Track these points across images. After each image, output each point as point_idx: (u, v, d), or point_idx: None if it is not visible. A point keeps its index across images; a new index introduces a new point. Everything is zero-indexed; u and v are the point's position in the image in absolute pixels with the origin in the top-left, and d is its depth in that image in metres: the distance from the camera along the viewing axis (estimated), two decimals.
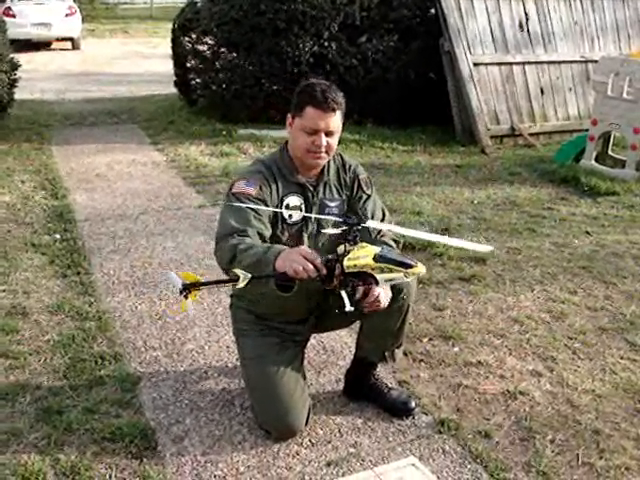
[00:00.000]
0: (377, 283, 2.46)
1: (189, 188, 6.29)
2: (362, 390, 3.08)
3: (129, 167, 6.95)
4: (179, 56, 9.82)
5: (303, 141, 2.70)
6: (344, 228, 2.50)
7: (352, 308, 2.43)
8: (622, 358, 3.54)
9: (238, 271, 2.43)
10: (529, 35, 8.84)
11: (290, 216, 2.79)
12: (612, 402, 3.15)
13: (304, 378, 2.94)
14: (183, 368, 3.31)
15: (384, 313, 2.77)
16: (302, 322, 2.99)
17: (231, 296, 3.11)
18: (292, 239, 2.79)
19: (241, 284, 2.43)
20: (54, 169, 6.74)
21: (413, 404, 3.00)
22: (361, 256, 2.41)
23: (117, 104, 10.59)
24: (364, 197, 2.92)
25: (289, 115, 2.77)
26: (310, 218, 2.82)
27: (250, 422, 2.90)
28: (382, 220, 2.94)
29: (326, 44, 8.57)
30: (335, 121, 2.70)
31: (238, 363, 3.31)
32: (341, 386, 3.16)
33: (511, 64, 8.65)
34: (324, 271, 2.41)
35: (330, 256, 2.48)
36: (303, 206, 2.81)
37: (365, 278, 2.45)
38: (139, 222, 5.32)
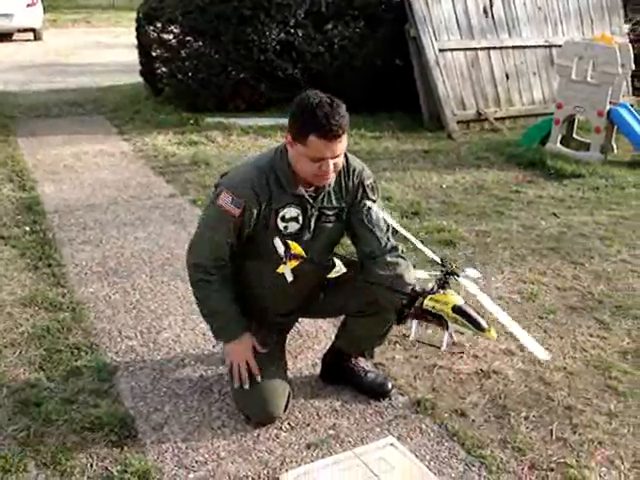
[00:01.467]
0: (447, 328, 2.70)
1: (158, 177, 6.27)
2: (339, 373, 3.11)
3: (96, 158, 6.90)
4: (144, 45, 9.74)
5: (309, 167, 2.56)
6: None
7: (414, 338, 2.64)
8: (592, 336, 3.62)
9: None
10: (494, 21, 8.90)
11: (286, 227, 2.71)
12: (583, 379, 3.22)
13: (285, 364, 2.99)
14: (160, 357, 3.32)
15: (376, 318, 2.88)
16: (287, 315, 3.03)
17: None
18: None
19: (333, 274, 2.63)
20: (21, 161, 6.66)
21: (390, 386, 3.04)
22: (442, 301, 2.63)
23: (82, 95, 10.47)
24: (368, 204, 2.79)
25: (288, 135, 2.58)
26: (307, 228, 2.74)
27: (229, 408, 2.92)
28: (387, 230, 2.79)
29: (292, 31, 8.56)
30: (342, 144, 2.54)
31: (215, 350, 3.34)
32: (318, 370, 3.19)
33: (476, 49, 8.71)
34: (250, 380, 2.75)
35: (417, 288, 2.65)
36: (300, 217, 2.71)
37: (439, 318, 2.67)
38: (109, 212, 5.29)
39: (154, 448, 2.69)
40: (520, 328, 2.69)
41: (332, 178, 2.66)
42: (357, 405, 2.97)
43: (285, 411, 2.85)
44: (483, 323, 2.60)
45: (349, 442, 2.73)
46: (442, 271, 2.67)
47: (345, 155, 2.70)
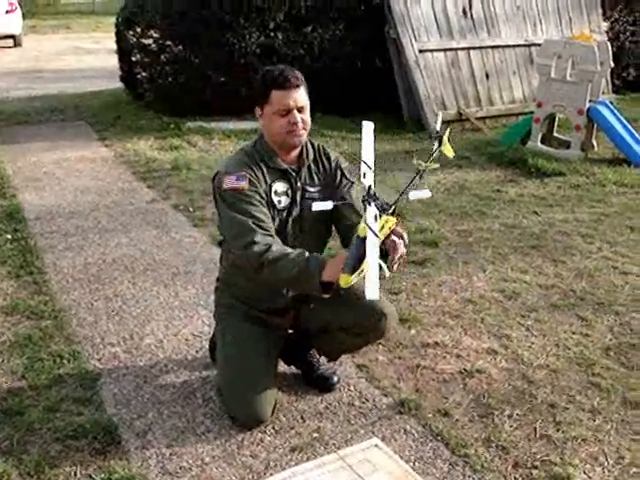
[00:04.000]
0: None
1: (140, 183, 6.25)
2: (296, 360, 3.17)
3: (78, 164, 6.87)
4: (124, 50, 9.71)
5: (279, 124, 2.75)
6: (335, 203, 2.53)
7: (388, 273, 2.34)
8: (574, 333, 3.64)
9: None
10: (473, 20, 8.94)
11: (279, 202, 2.84)
12: (566, 376, 3.24)
13: (276, 370, 2.99)
14: (143, 363, 3.31)
15: (359, 338, 2.90)
16: (282, 313, 3.01)
17: (217, 280, 3.15)
18: (281, 224, 2.84)
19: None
20: (1, 168, 6.62)
21: (335, 379, 3.09)
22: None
23: (63, 101, 10.41)
24: (348, 184, 2.96)
25: (256, 108, 2.81)
26: (295, 202, 2.85)
27: (213, 413, 2.91)
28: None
29: (272, 34, 8.56)
30: (301, 95, 2.77)
31: (198, 355, 3.34)
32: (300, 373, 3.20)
33: (456, 50, 8.74)
34: None
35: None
36: (290, 191, 2.86)
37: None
38: (91, 219, 5.27)
39: (138, 455, 2.67)
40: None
41: (304, 136, 2.81)
42: (341, 407, 2.97)
43: (272, 415, 2.85)
44: (350, 267, 2.32)
45: (334, 444, 2.73)
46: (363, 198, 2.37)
47: (319, 144, 2.99)
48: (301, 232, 2.91)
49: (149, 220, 5.25)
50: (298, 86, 2.76)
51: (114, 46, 10.14)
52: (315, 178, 2.93)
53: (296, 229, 2.90)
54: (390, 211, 2.37)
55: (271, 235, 2.73)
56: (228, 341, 2.94)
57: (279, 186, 2.84)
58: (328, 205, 2.54)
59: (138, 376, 3.20)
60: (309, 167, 2.92)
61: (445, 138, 2.45)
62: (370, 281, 2.19)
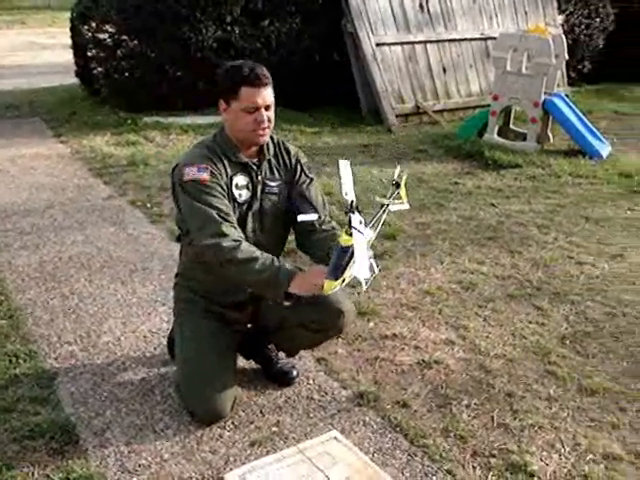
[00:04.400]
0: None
1: (96, 179, 6.18)
2: (255, 355, 3.18)
3: (33, 161, 6.76)
4: (79, 45, 9.58)
5: (246, 122, 2.74)
6: (317, 216, 2.73)
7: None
8: (530, 322, 3.69)
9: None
10: (429, 14, 8.98)
11: (240, 195, 2.84)
12: (523, 365, 3.28)
13: (235, 365, 2.99)
14: (100, 361, 3.28)
15: (317, 335, 2.90)
16: (241, 308, 3.00)
17: (176, 275, 3.12)
18: (241, 218, 2.83)
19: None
20: None
21: (294, 373, 3.11)
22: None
23: (17, 97, 10.24)
24: (307, 181, 2.98)
25: (221, 101, 2.80)
26: (255, 196, 2.86)
27: (172, 409, 2.90)
28: (324, 207, 2.99)
29: (229, 28, 8.51)
30: (270, 94, 2.78)
31: (156, 352, 3.32)
32: (260, 368, 3.19)
33: (413, 43, 8.79)
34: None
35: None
36: (250, 185, 2.85)
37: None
38: (46, 216, 5.20)
39: (96, 453, 2.65)
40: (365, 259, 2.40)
41: (267, 135, 2.82)
42: (300, 401, 2.98)
43: (231, 410, 2.85)
44: (337, 273, 2.43)
45: (293, 438, 2.74)
46: (345, 209, 2.46)
47: (278, 138, 2.99)
48: (261, 226, 2.91)
49: (106, 217, 5.20)
50: (267, 84, 2.76)
51: (69, 41, 9.99)
52: (275, 172, 2.93)
53: (256, 224, 2.90)
54: (370, 226, 2.47)
55: (235, 227, 2.72)
56: (186, 337, 2.93)
57: (240, 179, 2.83)
58: (313, 217, 2.68)
59: (95, 374, 3.17)
60: (269, 161, 2.92)
61: (402, 184, 2.57)
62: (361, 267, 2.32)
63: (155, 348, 3.36)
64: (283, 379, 3.11)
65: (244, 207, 2.86)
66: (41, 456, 2.62)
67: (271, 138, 2.94)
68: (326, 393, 3.03)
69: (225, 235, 2.64)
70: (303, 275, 2.61)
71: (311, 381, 3.12)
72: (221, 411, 2.80)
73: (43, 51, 15.50)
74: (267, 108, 2.76)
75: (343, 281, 2.46)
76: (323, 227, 2.92)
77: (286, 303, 2.69)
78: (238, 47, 8.53)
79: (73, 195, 5.73)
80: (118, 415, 2.87)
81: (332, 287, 2.45)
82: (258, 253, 2.65)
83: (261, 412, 2.90)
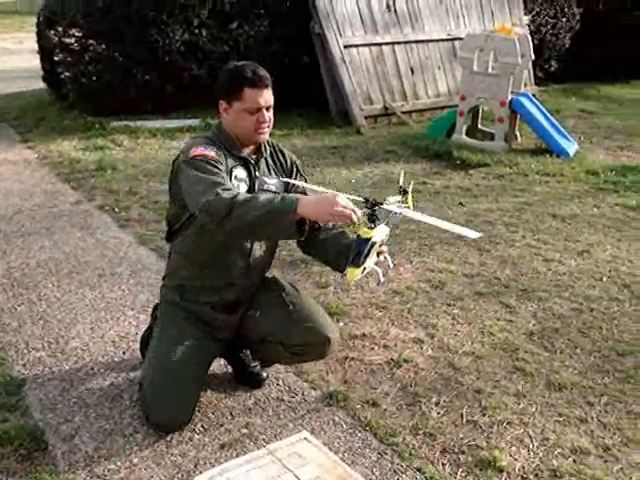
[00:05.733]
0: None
1: (64, 184, 6.13)
2: (228, 356, 3.15)
3: (0, 167, 6.72)
4: (46, 50, 9.51)
5: (248, 122, 2.78)
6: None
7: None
8: (499, 320, 3.72)
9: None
10: (397, 16, 9.02)
11: (238, 186, 2.83)
12: (491, 362, 3.31)
13: (205, 375, 2.96)
14: (69, 366, 3.25)
15: (300, 352, 2.90)
16: (230, 310, 2.97)
17: (163, 277, 3.09)
18: None
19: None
20: None
21: (264, 375, 3.12)
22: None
23: None
24: (303, 182, 3.02)
25: (222, 101, 2.82)
26: (253, 191, 2.83)
27: (141, 414, 2.87)
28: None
29: (197, 31, 8.50)
30: (270, 95, 2.81)
31: (125, 357, 3.31)
32: (230, 370, 3.18)
33: (381, 45, 8.83)
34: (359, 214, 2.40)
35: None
36: (248, 179, 2.87)
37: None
38: (13, 222, 5.15)
39: (65, 459, 2.63)
40: (443, 220, 2.56)
41: (267, 134, 2.85)
42: (270, 403, 2.97)
43: (190, 422, 2.81)
44: (359, 261, 2.44)
45: (263, 439, 2.73)
46: (367, 205, 2.49)
47: (273, 141, 3.03)
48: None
49: (74, 222, 5.16)
50: (268, 86, 2.79)
51: (36, 46, 9.93)
52: (272, 172, 2.96)
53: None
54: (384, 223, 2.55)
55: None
56: (163, 339, 2.87)
57: (239, 172, 2.85)
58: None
59: (64, 380, 3.14)
60: (266, 160, 2.95)
61: (410, 191, 2.69)
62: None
63: (124, 353, 3.35)
64: (253, 381, 3.10)
65: None
66: (10, 463, 2.59)
67: (268, 140, 2.96)
68: (296, 394, 3.04)
69: (225, 190, 2.53)
70: (312, 197, 2.49)
71: (281, 382, 3.12)
72: (178, 425, 2.78)
73: (10, 56, 15.38)
74: (268, 109, 2.81)
75: (364, 269, 2.49)
76: (327, 225, 2.95)
77: (225, 317, 2.83)
78: (206, 50, 8.53)
79: (41, 201, 5.68)
80: (87, 420, 2.86)
81: (355, 275, 2.47)
82: (257, 195, 2.59)
83: (231, 414, 2.90)
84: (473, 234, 2.52)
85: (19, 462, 2.60)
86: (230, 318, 2.98)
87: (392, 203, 2.56)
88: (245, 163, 2.87)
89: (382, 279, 2.69)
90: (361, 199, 2.48)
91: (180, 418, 2.78)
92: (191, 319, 2.91)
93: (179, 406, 2.77)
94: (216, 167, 2.67)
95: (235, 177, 2.83)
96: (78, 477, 2.54)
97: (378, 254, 2.64)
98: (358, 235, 2.48)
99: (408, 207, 2.66)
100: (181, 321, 2.90)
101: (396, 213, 2.52)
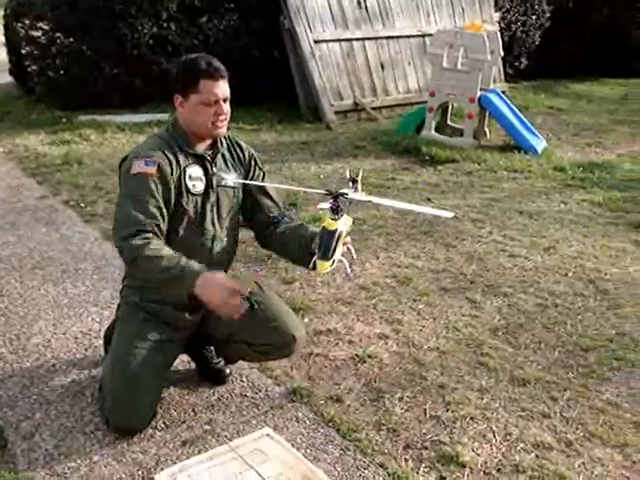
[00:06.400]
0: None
1: (29, 179, 6.06)
2: (191, 351, 3.12)
3: None
4: (13, 43, 9.41)
5: (206, 115, 2.74)
6: (242, 182, 2.81)
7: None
8: (464, 315, 3.73)
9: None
10: (367, 11, 9.01)
11: (194, 186, 2.81)
12: (456, 357, 3.32)
13: (165, 379, 2.91)
14: (30, 363, 3.21)
15: (266, 350, 2.88)
16: (194, 310, 2.90)
17: (123, 279, 3.03)
18: (196, 209, 2.81)
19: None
20: None
21: (228, 371, 3.10)
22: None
23: None
24: (262, 174, 3.02)
25: (177, 96, 2.78)
26: (211, 188, 2.83)
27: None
28: (280, 198, 3.05)
29: (165, 25, 8.44)
30: (227, 86, 2.79)
31: (87, 354, 3.27)
32: (193, 366, 3.16)
33: (351, 40, 8.81)
34: (242, 312, 2.54)
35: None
36: (204, 177, 2.83)
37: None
38: None
39: (25, 457, 2.60)
40: (416, 205, 2.57)
41: (225, 127, 2.82)
42: (233, 399, 2.96)
43: (148, 425, 2.77)
44: (328, 254, 2.42)
45: (225, 436, 2.72)
46: (331, 196, 2.47)
47: (229, 134, 2.96)
48: (219, 219, 2.89)
49: (38, 217, 5.10)
50: (224, 77, 2.77)
51: (3, 39, 9.81)
52: (230, 167, 2.92)
53: (214, 215, 2.86)
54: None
55: (158, 234, 2.67)
56: (123, 340, 2.81)
57: (194, 170, 2.80)
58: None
59: (25, 377, 3.10)
60: (223, 156, 2.91)
61: (359, 179, 2.58)
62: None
63: (86, 349, 3.31)
64: (216, 377, 3.08)
65: (199, 198, 2.82)
66: None
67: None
68: (259, 390, 3.02)
69: (139, 234, 2.59)
70: (211, 276, 2.53)
71: (244, 378, 3.10)
72: (138, 427, 2.74)
73: None
74: (225, 100, 2.77)
75: (333, 262, 2.47)
76: (285, 218, 2.97)
77: (188, 317, 2.85)
78: (175, 44, 8.47)
79: (5, 195, 5.61)
80: (47, 418, 2.82)
81: (325, 268, 2.44)
82: (166, 252, 2.59)
83: (193, 411, 2.88)
84: (447, 214, 2.50)
85: None
86: (192, 318, 2.93)
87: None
88: (200, 160, 2.83)
89: (349, 271, 2.69)
90: (323, 192, 2.47)
91: (139, 423, 2.74)
92: (151, 320, 2.84)
93: (138, 412, 2.72)
94: (151, 193, 2.66)
95: (189, 177, 2.79)
96: (37, 475, 2.50)
97: (342, 245, 2.61)
98: (323, 227, 2.46)
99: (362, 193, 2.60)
100: (140, 323, 2.84)
101: (364, 201, 2.52)
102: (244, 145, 3.03)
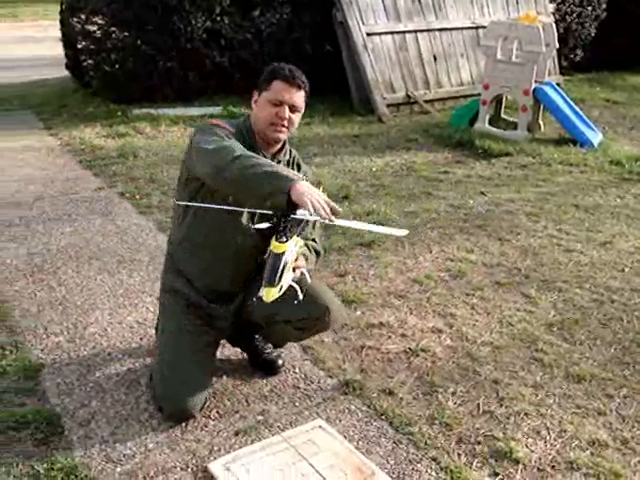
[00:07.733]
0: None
1: (85, 171, 6.16)
2: (241, 343, 3.16)
3: (22, 153, 6.73)
4: (69, 38, 9.55)
5: (268, 113, 2.76)
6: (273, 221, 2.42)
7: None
8: (518, 310, 3.68)
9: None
10: (420, 3, 8.94)
11: None
12: (510, 352, 3.28)
13: (212, 364, 2.96)
14: (86, 352, 3.27)
15: (303, 326, 2.84)
16: (228, 301, 2.94)
17: (170, 243, 3.05)
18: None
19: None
20: None
21: (280, 362, 3.11)
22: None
23: (8, 90, 10.23)
24: None
25: (255, 92, 2.84)
26: None
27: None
28: (313, 227, 2.99)
29: (219, 19, 8.48)
30: (299, 98, 2.79)
31: (142, 343, 3.32)
32: (245, 356, 3.18)
33: (404, 32, 8.75)
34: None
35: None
36: None
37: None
38: (35, 209, 5.18)
39: (81, 444, 2.64)
40: (373, 224, 2.59)
41: (284, 134, 2.81)
42: (286, 390, 2.97)
43: (201, 410, 2.80)
44: (274, 280, 2.33)
45: (278, 427, 2.73)
46: (276, 216, 2.40)
47: (296, 153, 2.98)
48: (252, 221, 2.81)
49: (94, 208, 5.18)
50: (300, 88, 2.78)
51: (60, 34, 9.97)
52: None
53: (251, 214, 2.79)
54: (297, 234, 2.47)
55: None
56: (166, 331, 2.90)
57: None
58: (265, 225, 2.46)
59: (82, 365, 3.16)
60: (283, 164, 2.89)
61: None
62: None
63: (141, 339, 3.35)
64: (269, 368, 3.10)
65: None
66: (26, 447, 2.61)
67: (290, 150, 2.95)
68: (312, 382, 3.03)
69: (223, 153, 2.52)
70: (307, 184, 2.40)
71: (297, 370, 3.12)
72: (189, 412, 2.77)
73: (36, 44, 15.40)
74: (292, 109, 2.77)
75: (281, 288, 2.38)
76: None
77: (219, 308, 2.84)
78: (228, 38, 8.51)
79: (62, 187, 5.71)
80: (103, 405, 2.87)
81: (272, 294, 2.34)
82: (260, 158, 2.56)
83: (246, 401, 2.90)
84: (400, 232, 2.43)
85: (35, 446, 2.62)
86: (226, 310, 2.95)
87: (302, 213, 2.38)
88: None
89: (301, 297, 2.55)
90: (269, 212, 2.38)
91: (190, 408, 2.76)
92: (190, 307, 2.90)
93: (188, 398, 2.75)
94: (228, 136, 2.69)
95: None
96: (93, 462, 2.54)
97: (294, 269, 2.55)
98: (270, 250, 2.36)
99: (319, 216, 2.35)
100: (180, 312, 2.90)
101: (308, 221, 2.43)
102: (304, 167, 3.02)
